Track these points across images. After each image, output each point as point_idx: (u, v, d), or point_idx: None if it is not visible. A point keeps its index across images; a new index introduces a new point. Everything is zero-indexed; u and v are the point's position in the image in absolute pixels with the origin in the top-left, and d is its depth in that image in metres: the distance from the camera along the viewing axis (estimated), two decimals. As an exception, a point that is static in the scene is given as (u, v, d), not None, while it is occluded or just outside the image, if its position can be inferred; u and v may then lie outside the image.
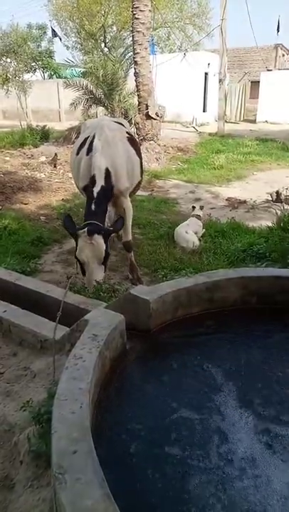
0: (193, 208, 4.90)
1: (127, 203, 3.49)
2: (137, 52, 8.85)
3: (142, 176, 4.02)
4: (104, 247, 2.93)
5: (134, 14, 8.67)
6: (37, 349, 2.22)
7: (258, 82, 21.29)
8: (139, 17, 8.61)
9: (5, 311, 2.44)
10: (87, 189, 3.25)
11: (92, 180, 3.15)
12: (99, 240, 2.90)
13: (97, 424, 1.45)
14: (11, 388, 1.95)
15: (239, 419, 1.52)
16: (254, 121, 20.48)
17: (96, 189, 3.12)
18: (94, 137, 3.29)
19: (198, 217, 4.71)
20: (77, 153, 3.54)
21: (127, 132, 3.81)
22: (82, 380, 1.50)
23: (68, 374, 1.53)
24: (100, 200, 3.12)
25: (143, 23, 8.66)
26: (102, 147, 3.21)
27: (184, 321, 2.29)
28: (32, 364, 2.12)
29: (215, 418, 1.55)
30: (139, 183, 3.98)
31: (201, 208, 4.93)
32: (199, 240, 4.50)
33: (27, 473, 1.51)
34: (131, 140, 3.74)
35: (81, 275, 3.06)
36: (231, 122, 19.61)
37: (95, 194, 3.11)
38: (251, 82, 26.63)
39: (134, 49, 8.98)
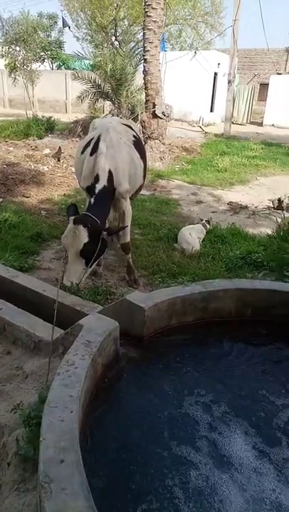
0: (201, 220, 5.08)
1: (127, 206, 3.52)
2: (147, 50, 8.77)
3: (144, 180, 4.03)
4: (85, 241, 2.93)
5: (147, 11, 8.57)
6: (30, 349, 2.23)
7: (267, 84, 21.18)
8: (151, 15, 8.52)
9: (1, 309, 2.45)
10: (89, 188, 3.28)
11: (96, 180, 3.23)
12: (82, 231, 2.94)
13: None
14: (2, 388, 1.96)
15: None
16: (261, 124, 20.40)
17: (99, 186, 3.21)
18: (99, 139, 3.30)
19: (204, 225, 4.89)
20: (82, 152, 3.55)
21: (133, 135, 3.81)
22: (74, 388, 1.52)
23: (60, 380, 1.55)
24: (100, 197, 3.20)
25: (155, 21, 8.57)
26: (107, 149, 3.23)
27: (177, 329, 2.31)
28: (24, 364, 2.13)
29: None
30: (141, 186, 3.99)
31: (208, 221, 5.06)
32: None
33: (14, 475, 1.52)
34: (136, 143, 3.74)
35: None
36: (238, 124, 19.53)
37: (97, 191, 3.21)
38: (260, 84, 26.54)
39: (144, 47, 8.89)
